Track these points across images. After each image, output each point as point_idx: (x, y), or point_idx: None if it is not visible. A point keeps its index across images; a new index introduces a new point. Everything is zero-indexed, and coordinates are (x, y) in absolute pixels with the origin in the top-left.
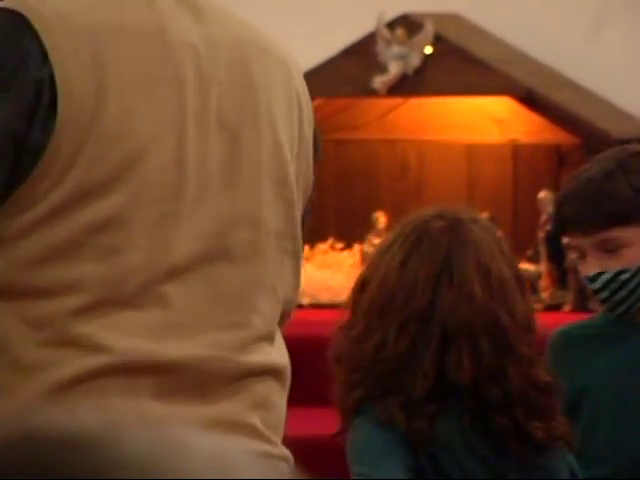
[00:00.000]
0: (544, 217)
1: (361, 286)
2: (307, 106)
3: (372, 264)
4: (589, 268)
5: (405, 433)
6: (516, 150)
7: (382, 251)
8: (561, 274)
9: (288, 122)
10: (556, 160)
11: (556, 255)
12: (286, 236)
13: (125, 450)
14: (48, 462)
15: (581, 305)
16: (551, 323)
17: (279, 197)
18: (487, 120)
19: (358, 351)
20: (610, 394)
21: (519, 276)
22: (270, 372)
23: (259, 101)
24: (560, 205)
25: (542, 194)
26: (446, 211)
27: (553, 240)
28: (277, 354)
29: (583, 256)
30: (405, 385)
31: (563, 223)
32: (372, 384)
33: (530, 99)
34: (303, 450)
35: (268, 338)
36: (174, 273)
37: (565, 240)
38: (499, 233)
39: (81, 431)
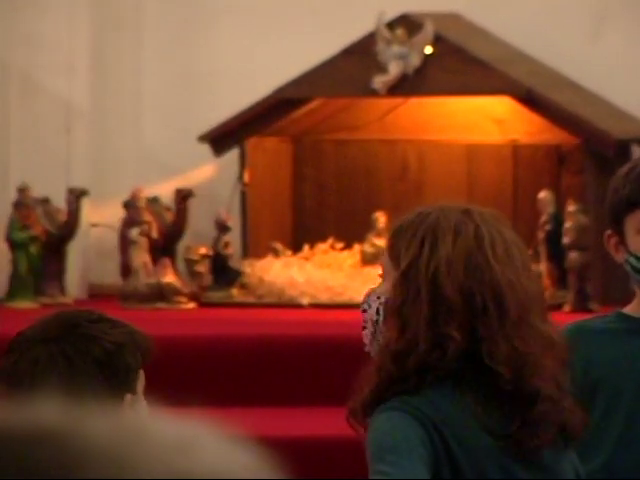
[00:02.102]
0: (544, 217)
1: None
2: None
3: None
4: None
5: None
6: (516, 150)
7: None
8: (561, 274)
9: None
10: (556, 160)
11: (556, 255)
12: None
13: (88, 440)
14: (12, 459)
15: (581, 305)
16: None
17: None
18: (487, 120)
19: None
20: (627, 385)
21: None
22: None
23: None
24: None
25: (542, 194)
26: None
27: (553, 240)
28: None
29: None
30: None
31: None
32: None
33: (530, 99)
34: (305, 449)
35: None
36: None
37: (567, 241)
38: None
39: (42, 426)
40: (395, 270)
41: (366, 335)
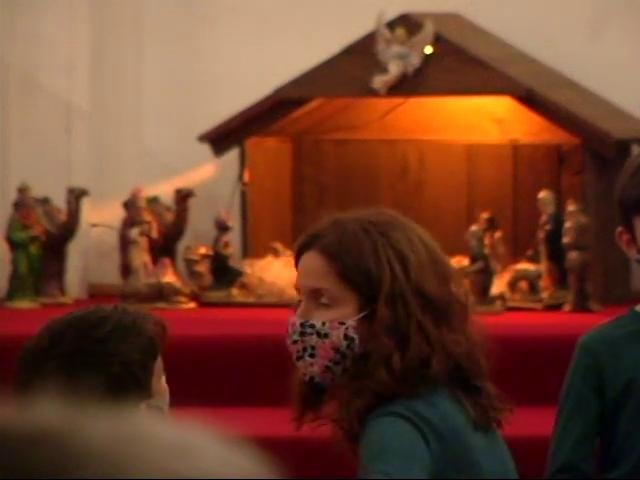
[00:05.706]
0: (544, 217)
1: None
2: None
3: None
4: None
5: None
6: (516, 150)
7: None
8: (561, 274)
9: None
10: (556, 160)
11: (556, 255)
12: None
13: (85, 441)
14: (9, 460)
15: (581, 305)
16: (551, 323)
17: None
18: (487, 120)
19: None
20: None
21: None
22: None
23: None
24: None
25: (542, 194)
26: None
27: (553, 240)
28: None
29: None
30: None
31: None
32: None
33: (530, 99)
34: (305, 449)
35: None
36: None
37: (565, 242)
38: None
39: (40, 427)
40: (353, 292)
41: (307, 364)
